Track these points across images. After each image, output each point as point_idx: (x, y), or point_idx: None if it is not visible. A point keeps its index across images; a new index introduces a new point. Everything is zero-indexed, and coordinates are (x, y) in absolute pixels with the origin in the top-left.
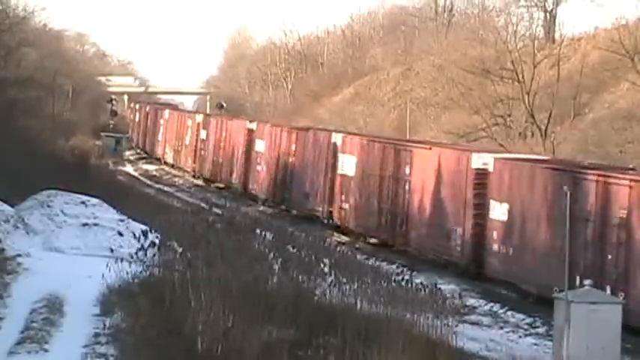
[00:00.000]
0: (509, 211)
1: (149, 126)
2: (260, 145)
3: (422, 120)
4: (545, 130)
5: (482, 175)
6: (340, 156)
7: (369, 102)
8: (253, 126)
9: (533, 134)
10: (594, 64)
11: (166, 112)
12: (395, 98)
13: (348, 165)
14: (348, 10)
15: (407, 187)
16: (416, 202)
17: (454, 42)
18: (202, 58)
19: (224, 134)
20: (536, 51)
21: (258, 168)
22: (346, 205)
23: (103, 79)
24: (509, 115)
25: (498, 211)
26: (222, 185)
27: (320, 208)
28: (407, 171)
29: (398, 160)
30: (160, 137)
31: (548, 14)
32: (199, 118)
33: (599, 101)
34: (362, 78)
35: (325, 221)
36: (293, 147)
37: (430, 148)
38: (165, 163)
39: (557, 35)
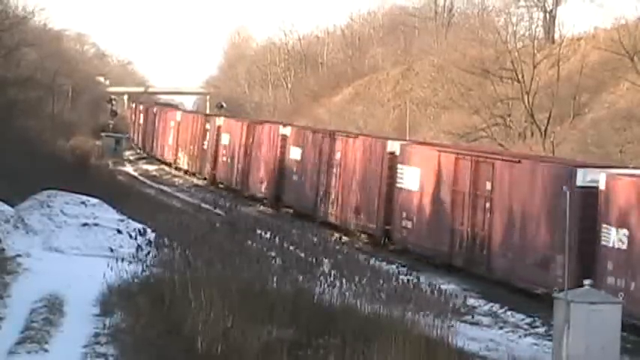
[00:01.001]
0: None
1: (156, 128)
2: (295, 153)
3: (421, 120)
4: (545, 130)
5: (590, 194)
6: (401, 167)
7: (369, 102)
8: (287, 131)
9: (532, 134)
10: (594, 64)
11: (178, 114)
12: (395, 98)
13: (410, 178)
14: (347, 10)
15: (488, 205)
16: (500, 222)
17: (454, 42)
18: (202, 58)
19: (251, 139)
20: (535, 51)
21: (295, 178)
22: (409, 224)
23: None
24: (509, 115)
25: (614, 238)
26: (247, 195)
27: (373, 225)
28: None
29: (477, 174)
30: (170, 141)
31: (547, 14)
32: (220, 121)
33: (599, 101)
34: (362, 78)
35: (381, 241)
36: (338, 156)
37: (519, 161)
38: (177, 168)
39: (556, 35)
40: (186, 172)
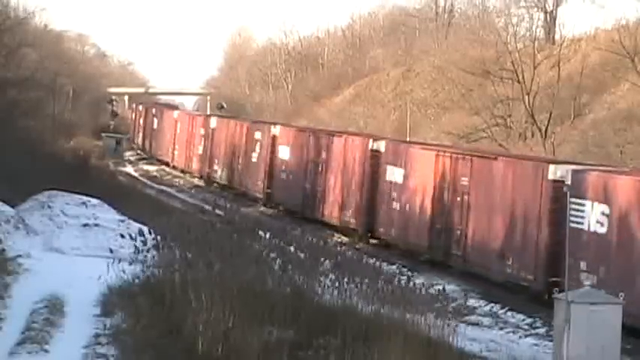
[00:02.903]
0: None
1: (175, 135)
2: (396, 175)
3: (422, 121)
4: (546, 131)
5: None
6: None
7: (370, 103)
8: (380, 146)
9: (533, 135)
10: (594, 64)
11: (213, 120)
12: (395, 99)
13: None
14: (348, 10)
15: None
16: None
17: (454, 43)
18: (203, 59)
19: (324, 154)
20: (536, 52)
21: (395, 205)
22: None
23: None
24: (510, 116)
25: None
26: (321, 219)
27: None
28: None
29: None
30: (199, 150)
31: (548, 15)
32: (276, 130)
33: (600, 102)
34: (362, 79)
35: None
36: (464, 181)
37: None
38: (215, 183)
39: (557, 36)
40: (223, 186)
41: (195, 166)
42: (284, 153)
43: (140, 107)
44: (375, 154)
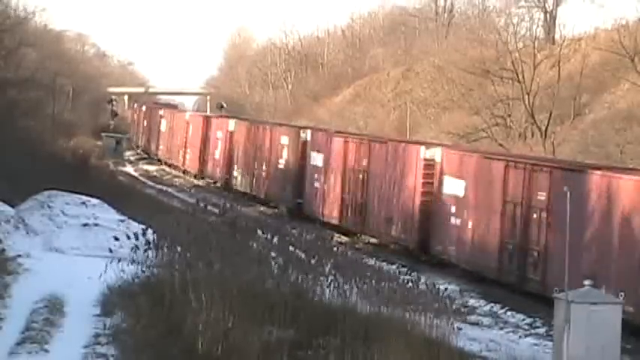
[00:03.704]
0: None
1: (187, 138)
2: (456, 188)
3: (422, 120)
4: (546, 131)
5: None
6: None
7: (369, 102)
8: (436, 155)
9: (533, 134)
10: (594, 64)
11: (232, 123)
12: (395, 99)
13: (317, 160)
14: (348, 10)
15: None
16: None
17: (454, 42)
18: (202, 59)
19: (364, 161)
20: (536, 51)
21: (455, 221)
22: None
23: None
24: (510, 116)
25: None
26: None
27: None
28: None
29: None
30: (217, 155)
31: (548, 15)
32: (307, 135)
33: (600, 102)
34: (362, 78)
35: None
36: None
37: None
38: (229, 189)
39: (557, 36)
40: (244, 194)
41: (210, 171)
42: (317, 160)
43: (160, 111)
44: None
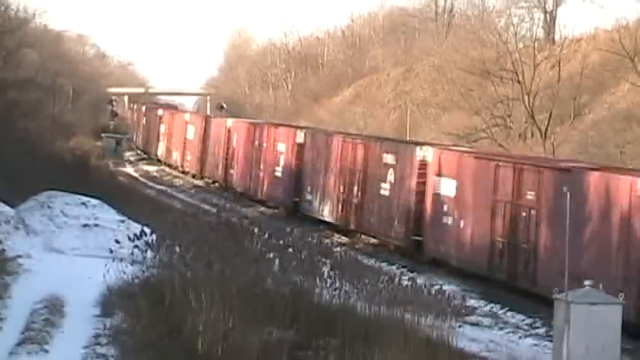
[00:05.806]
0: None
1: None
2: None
3: (422, 121)
4: (546, 131)
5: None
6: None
7: (369, 103)
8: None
9: (533, 135)
10: (594, 65)
11: (303, 134)
12: (395, 99)
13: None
14: (348, 11)
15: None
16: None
17: (454, 43)
18: (202, 59)
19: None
20: (536, 52)
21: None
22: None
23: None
24: (510, 116)
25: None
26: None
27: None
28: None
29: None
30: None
31: (548, 15)
32: (427, 153)
33: (600, 102)
34: (362, 79)
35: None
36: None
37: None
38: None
39: (557, 36)
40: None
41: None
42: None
43: (165, 114)
44: None
